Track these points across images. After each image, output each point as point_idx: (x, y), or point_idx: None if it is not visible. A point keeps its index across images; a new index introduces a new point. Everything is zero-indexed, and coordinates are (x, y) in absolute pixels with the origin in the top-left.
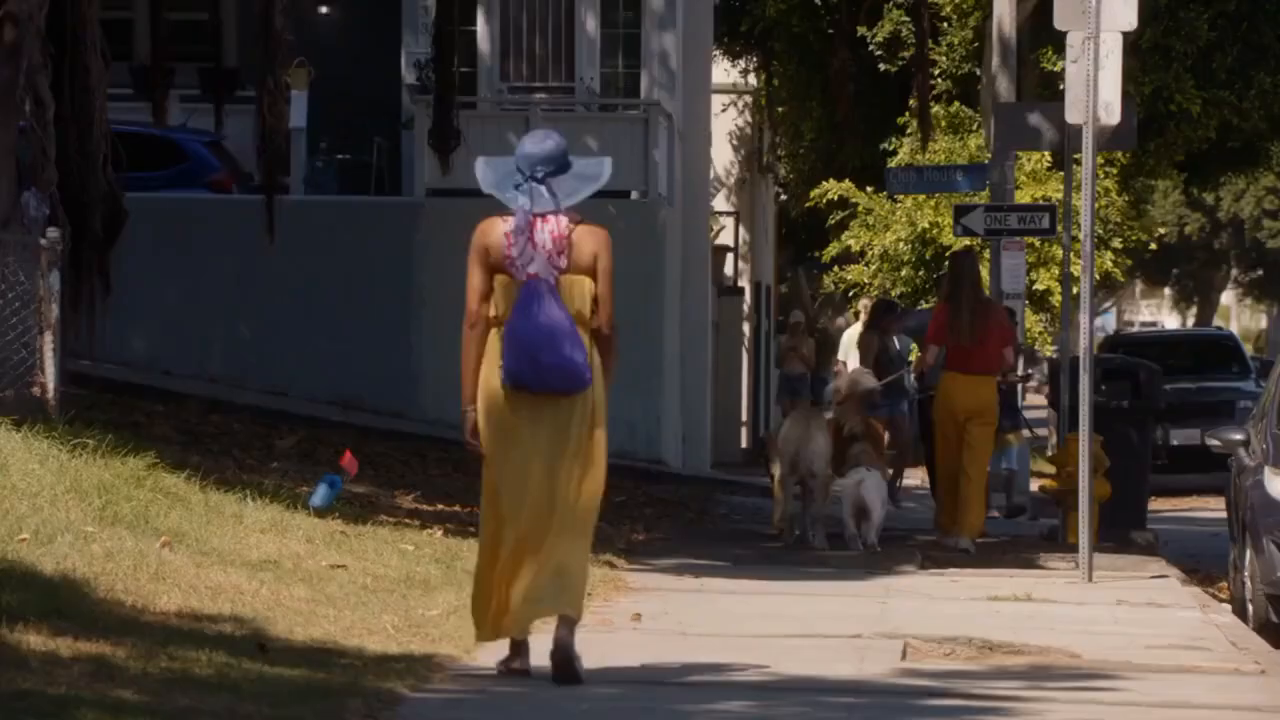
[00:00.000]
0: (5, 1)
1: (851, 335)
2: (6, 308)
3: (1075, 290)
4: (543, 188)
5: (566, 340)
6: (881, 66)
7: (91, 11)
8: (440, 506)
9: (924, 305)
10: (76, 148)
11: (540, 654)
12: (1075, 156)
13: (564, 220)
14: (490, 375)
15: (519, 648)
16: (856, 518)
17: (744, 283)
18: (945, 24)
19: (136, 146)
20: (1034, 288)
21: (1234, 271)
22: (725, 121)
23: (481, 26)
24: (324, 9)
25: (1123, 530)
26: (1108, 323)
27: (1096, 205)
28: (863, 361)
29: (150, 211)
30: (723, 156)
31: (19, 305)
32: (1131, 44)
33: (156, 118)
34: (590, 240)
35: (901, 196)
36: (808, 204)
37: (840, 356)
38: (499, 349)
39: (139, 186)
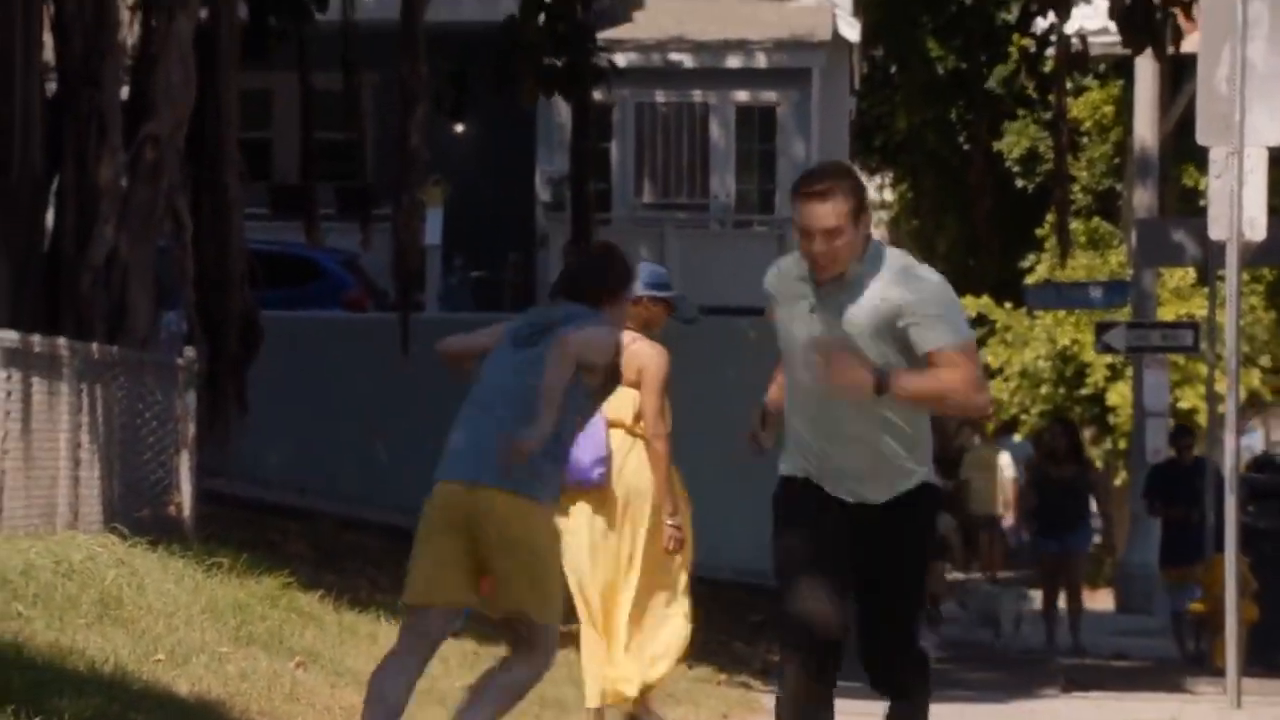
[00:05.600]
0: (146, 122)
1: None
2: (144, 427)
3: (1221, 409)
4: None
5: (586, 441)
6: (1019, 182)
7: (230, 132)
8: (574, 626)
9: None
10: (214, 267)
11: None
12: (1219, 273)
13: (625, 335)
14: None
15: None
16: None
17: None
18: (1085, 139)
19: (273, 264)
20: (1178, 406)
21: None
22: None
23: (616, 143)
24: (459, 127)
25: (1272, 654)
26: (1254, 442)
27: (1242, 322)
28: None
29: (285, 329)
30: None
31: (156, 424)
32: (1276, 158)
33: (309, 237)
34: (638, 356)
35: (1041, 313)
36: None
37: (1010, 475)
38: None
39: (275, 304)
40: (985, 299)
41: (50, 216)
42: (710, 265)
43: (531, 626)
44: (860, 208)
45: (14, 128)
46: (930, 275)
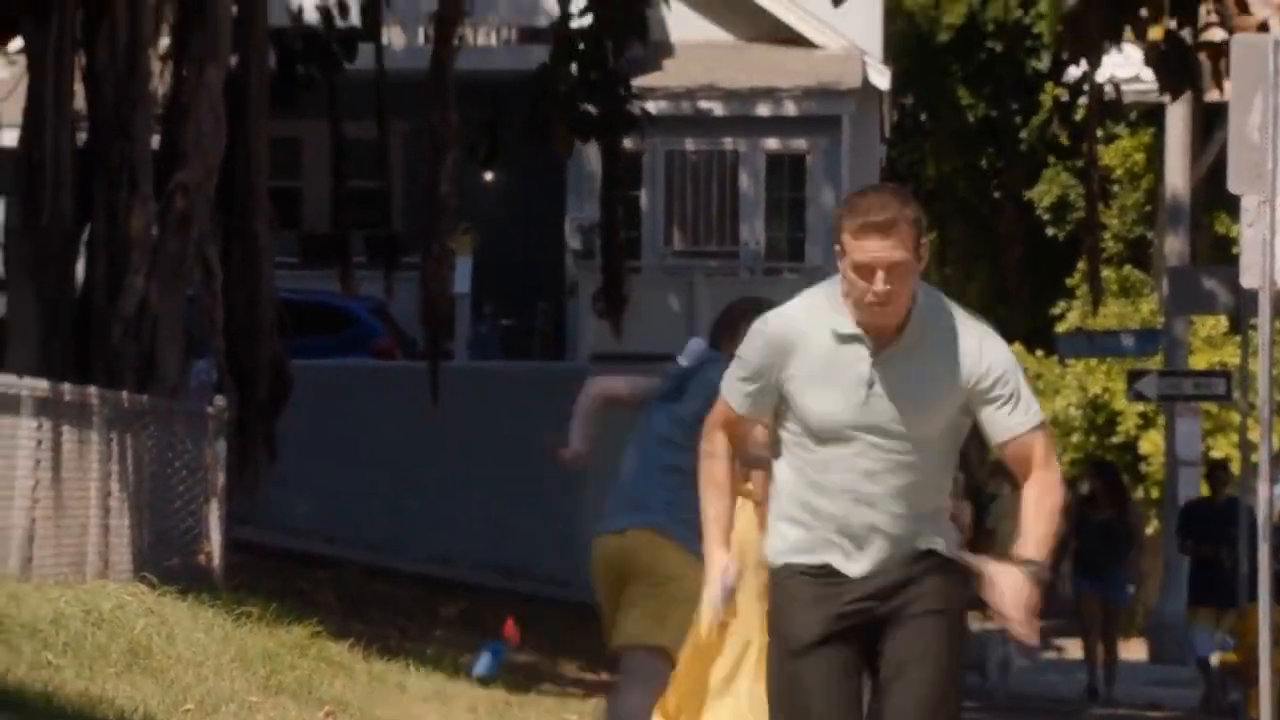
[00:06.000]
0: (177, 171)
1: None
2: (174, 476)
3: (1254, 458)
4: None
5: None
6: (1050, 230)
7: (260, 180)
8: (605, 675)
9: None
10: (244, 315)
11: None
12: (1252, 321)
13: None
14: None
15: None
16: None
17: None
18: (1116, 186)
19: (303, 312)
20: (1210, 454)
21: None
22: None
23: (646, 191)
24: (489, 176)
25: None
26: None
27: (1275, 370)
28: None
29: (314, 377)
30: None
31: (186, 474)
32: None
33: (342, 285)
34: None
35: (1072, 361)
36: None
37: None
38: None
39: (304, 352)
40: (1016, 347)
41: (81, 266)
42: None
43: (642, 656)
44: (922, 238)
45: (45, 177)
46: (992, 332)
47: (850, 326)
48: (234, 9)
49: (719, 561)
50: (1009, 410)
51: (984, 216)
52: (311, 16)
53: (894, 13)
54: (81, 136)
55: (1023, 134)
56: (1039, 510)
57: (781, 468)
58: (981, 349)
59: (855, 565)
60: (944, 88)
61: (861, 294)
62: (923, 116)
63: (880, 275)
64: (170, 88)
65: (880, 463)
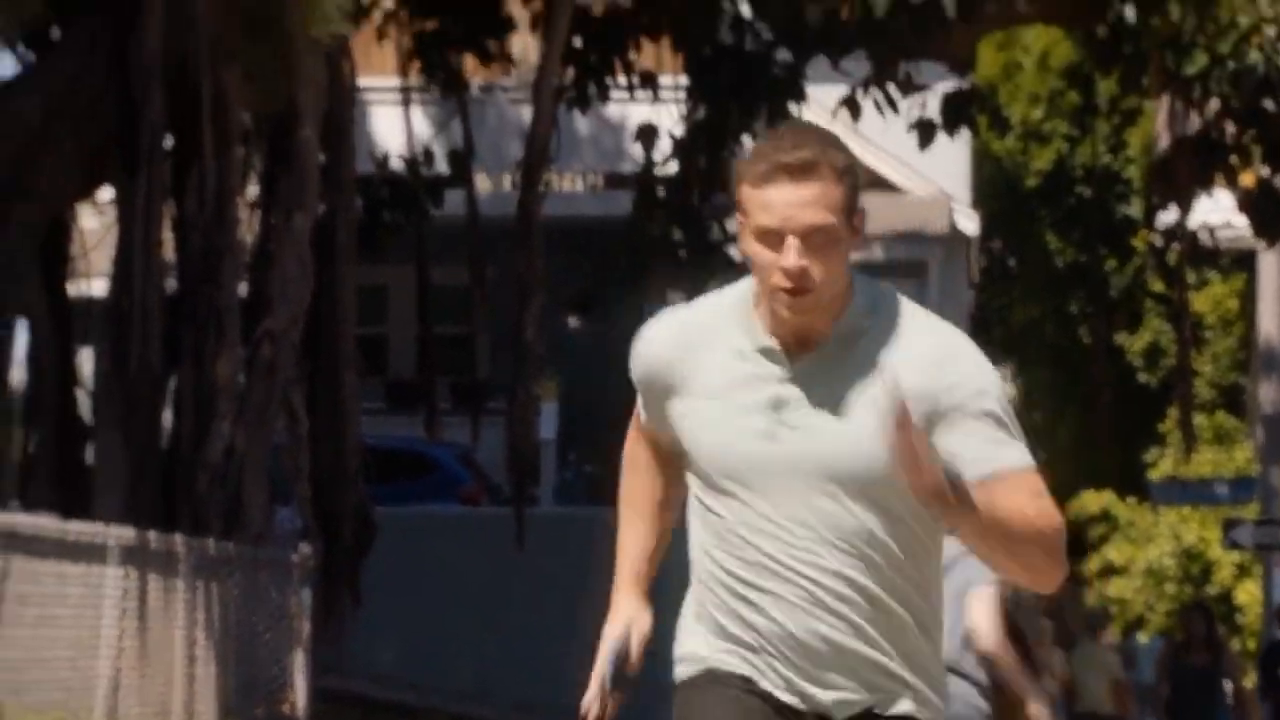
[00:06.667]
0: (263, 318)
1: None
2: (259, 624)
3: None
4: None
5: None
6: (1142, 376)
7: (346, 328)
8: None
9: None
10: (329, 462)
11: None
12: None
13: None
14: None
15: None
16: None
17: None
18: (1208, 333)
19: (388, 459)
20: None
21: None
22: None
23: None
24: (574, 321)
25: None
26: None
27: None
28: None
29: (399, 524)
30: None
31: (271, 621)
32: None
33: (428, 432)
34: None
35: (1165, 509)
36: (1067, 516)
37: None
38: None
39: (389, 499)
40: (1108, 494)
41: (168, 413)
42: None
43: None
44: (856, 199)
45: (133, 325)
46: (962, 339)
47: (761, 337)
48: (321, 157)
49: (619, 617)
50: (986, 438)
51: (1073, 362)
52: (397, 164)
53: (982, 158)
54: (169, 284)
55: (1112, 279)
56: (1014, 505)
57: (691, 532)
58: (947, 354)
59: (792, 694)
60: (1032, 232)
61: (768, 277)
62: (1011, 261)
63: (794, 244)
64: (257, 235)
65: (805, 529)
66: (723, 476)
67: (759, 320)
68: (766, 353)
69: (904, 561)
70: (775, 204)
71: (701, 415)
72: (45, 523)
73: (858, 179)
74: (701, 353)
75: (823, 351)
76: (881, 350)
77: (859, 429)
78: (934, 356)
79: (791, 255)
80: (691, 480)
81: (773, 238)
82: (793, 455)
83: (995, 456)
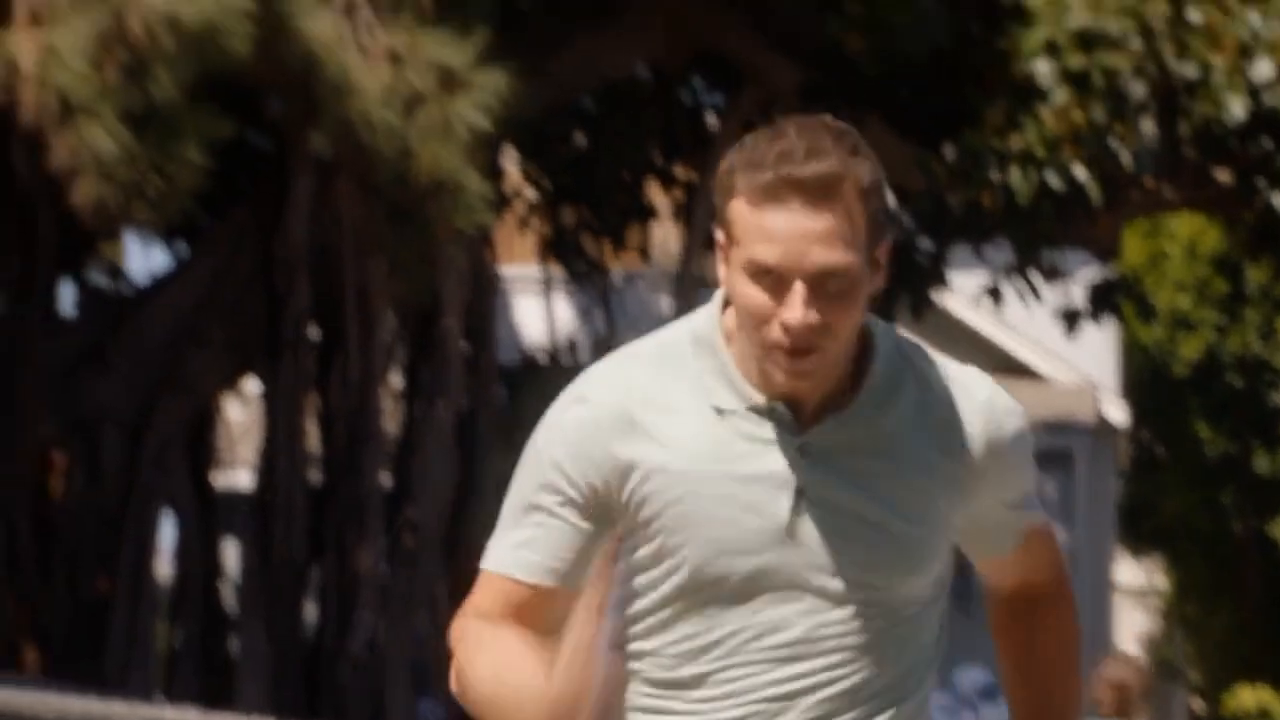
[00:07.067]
0: (406, 508)
1: None
2: None
3: None
4: None
5: None
6: None
7: (489, 519)
8: None
9: None
10: None
11: None
12: None
13: None
14: None
15: None
16: None
17: None
18: None
19: None
20: None
21: None
22: (1132, 620)
23: None
24: None
25: None
26: None
27: None
28: None
29: None
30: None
31: None
32: None
33: None
34: None
35: None
36: (1222, 714)
37: None
38: None
39: None
40: (1264, 690)
41: (311, 604)
42: None
43: None
44: (882, 227)
45: (277, 516)
46: (981, 376)
47: (750, 393)
48: (464, 345)
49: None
50: (1020, 505)
51: (1225, 553)
52: (541, 356)
53: (1130, 346)
54: (313, 474)
55: (1264, 468)
56: (1065, 655)
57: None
58: (991, 409)
59: None
60: (1182, 422)
61: (760, 327)
62: (1159, 450)
63: (800, 291)
64: (401, 424)
65: (811, 647)
66: (711, 589)
67: (739, 368)
68: (769, 413)
69: (914, 661)
70: (780, 234)
71: (680, 507)
72: (190, 715)
73: (885, 196)
74: (664, 419)
75: (850, 416)
76: (936, 405)
77: (918, 521)
78: (994, 402)
79: (797, 307)
80: (641, 602)
81: (772, 279)
82: (819, 561)
83: (1030, 517)
